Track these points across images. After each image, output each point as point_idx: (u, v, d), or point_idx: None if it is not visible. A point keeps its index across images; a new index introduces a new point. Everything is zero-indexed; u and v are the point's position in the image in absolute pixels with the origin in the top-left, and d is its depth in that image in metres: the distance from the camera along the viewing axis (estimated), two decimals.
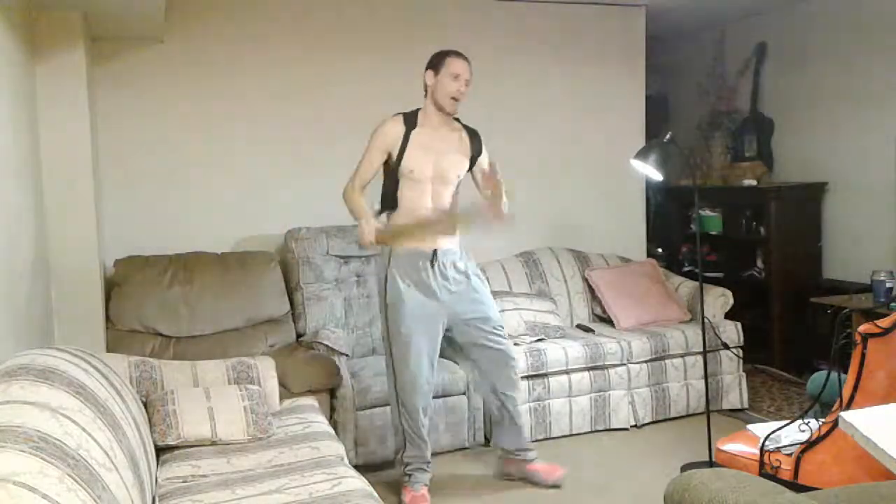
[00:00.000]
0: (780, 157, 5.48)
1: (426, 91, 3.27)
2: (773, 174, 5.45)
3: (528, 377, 3.91)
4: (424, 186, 3.22)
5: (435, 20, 4.61)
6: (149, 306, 3.70)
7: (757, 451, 2.62)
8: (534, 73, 4.83)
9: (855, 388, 2.40)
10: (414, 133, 3.22)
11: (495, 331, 3.38)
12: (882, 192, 4.71)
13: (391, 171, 3.24)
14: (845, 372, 2.47)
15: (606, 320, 4.54)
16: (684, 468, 3.47)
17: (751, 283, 5.27)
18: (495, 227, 3.30)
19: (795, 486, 2.41)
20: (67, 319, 3.41)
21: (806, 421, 2.56)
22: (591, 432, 4.08)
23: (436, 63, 3.23)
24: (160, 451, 2.63)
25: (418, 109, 3.29)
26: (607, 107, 5.08)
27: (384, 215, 3.29)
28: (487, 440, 3.93)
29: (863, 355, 2.39)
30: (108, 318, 3.67)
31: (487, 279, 3.90)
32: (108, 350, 3.47)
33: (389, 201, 3.26)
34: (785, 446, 2.59)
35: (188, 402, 2.74)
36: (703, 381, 3.86)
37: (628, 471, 3.62)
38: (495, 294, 3.90)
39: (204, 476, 2.45)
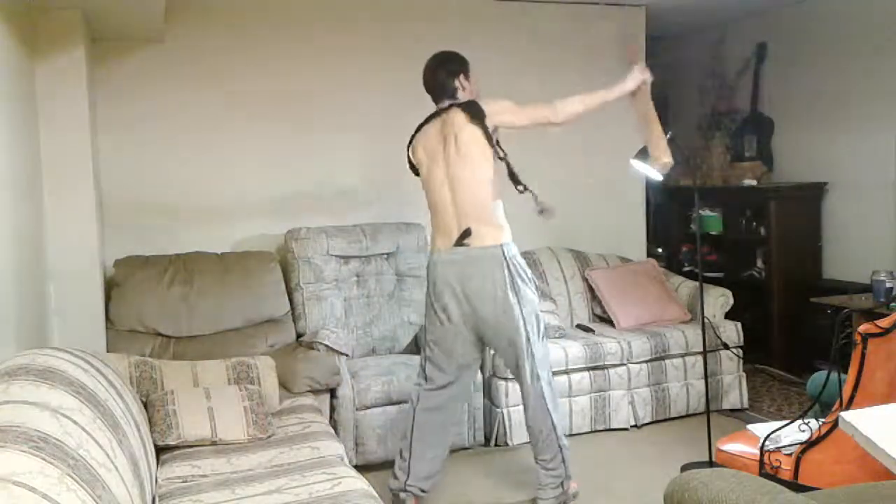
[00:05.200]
0: (780, 157, 5.48)
1: (462, 89, 3.19)
2: (773, 174, 5.45)
3: None
4: None
5: (435, 20, 4.60)
6: (149, 306, 3.70)
7: (757, 451, 2.62)
8: (533, 72, 4.81)
9: (855, 388, 2.40)
10: None
11: (523, 360, 3.09)
12: (882, 192, 4.71)
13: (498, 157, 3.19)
14: (845, 372, 2.47)
15: (606, 320, 4.54)
16: (684, 468, 3.47)
17: (751, 283, 5.27)
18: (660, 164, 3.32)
19: (795, 486, 2.41)
20: (67, 319, 3.41)
21: (806, 421, 2.56)
22: (591, 432, 4.07)
23: (468, 69, 3.22)
24: (160, 451, 2.63)
25: None
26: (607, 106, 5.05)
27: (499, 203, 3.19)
28: (487, 440, 3.94)
29: (863, 355, 2.40)
30: (108, 318, 3.66)
31: None
32: (108, 350, 3.47)
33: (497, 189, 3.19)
34: (785, 446, 2.59)
35: (188, 402, 2.75)
36: (703, 381, 3.86)
37: (628, 471, 3.62)
38: None
39: (204, 476, 2.45)
